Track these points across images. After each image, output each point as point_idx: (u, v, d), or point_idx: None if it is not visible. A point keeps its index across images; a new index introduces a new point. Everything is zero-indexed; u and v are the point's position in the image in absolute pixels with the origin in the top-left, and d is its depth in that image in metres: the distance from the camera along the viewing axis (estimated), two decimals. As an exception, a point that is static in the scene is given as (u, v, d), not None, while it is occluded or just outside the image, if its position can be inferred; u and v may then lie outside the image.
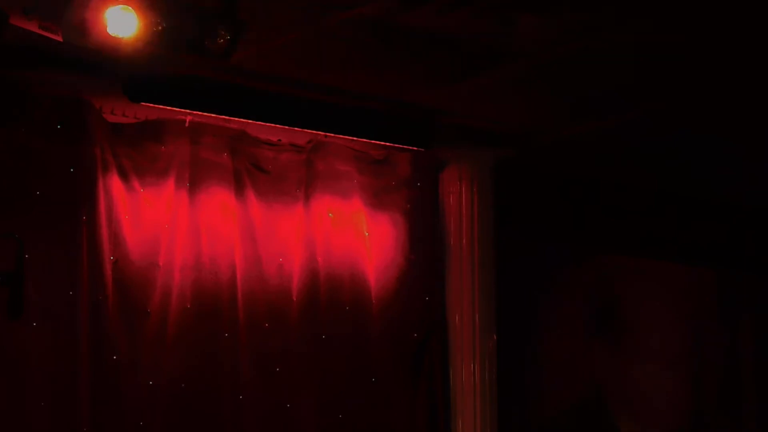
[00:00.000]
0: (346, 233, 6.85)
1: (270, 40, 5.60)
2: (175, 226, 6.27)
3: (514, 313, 7.51)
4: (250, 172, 6.59)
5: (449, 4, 5.35)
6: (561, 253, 8.06)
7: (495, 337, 7.19)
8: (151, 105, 6.15)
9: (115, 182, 6.14)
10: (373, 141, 6.94)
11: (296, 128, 6.63)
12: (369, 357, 6.84)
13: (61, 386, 5.81)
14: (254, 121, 6.50)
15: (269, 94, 6.39)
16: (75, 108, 6.00)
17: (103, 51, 5.11)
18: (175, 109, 6.26)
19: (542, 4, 5.42)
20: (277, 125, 6.57)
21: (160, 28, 5.00)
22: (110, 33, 4.93)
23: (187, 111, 6.32)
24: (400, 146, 7.04)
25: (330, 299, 6.72)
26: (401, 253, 7.04)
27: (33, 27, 4.96)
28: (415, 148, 7.06)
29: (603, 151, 7.65)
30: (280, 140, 6.76)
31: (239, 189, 6.52)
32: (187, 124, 6.38)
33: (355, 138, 6.88)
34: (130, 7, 4.93)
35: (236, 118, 6.46)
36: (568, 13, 5.48)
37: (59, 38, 4.91)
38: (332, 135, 6.81)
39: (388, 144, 7.01)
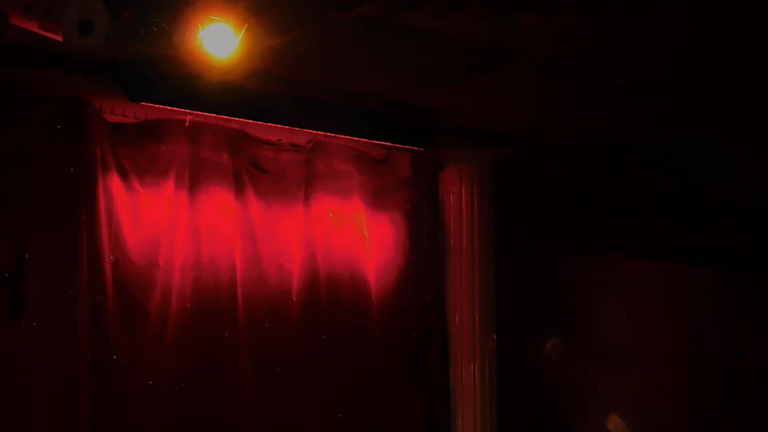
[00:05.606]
0: (346, 233, 6.85)
1: (270, 40, 5.60)
2: (175, 226, 6.27)
3: (514, 313, 7.51)
4: (250, 172, 6.59)
5: (449, 4, 5.35)
6: (561, 253, 8.05)
7: (495, 337, 7.18)
8: (151, 105, 6.15)
9: (115, 182, 6.13)
10: (373, 141, 6.95)
11: (296, 128, 6.63)
12: (369, 357, 6.83)
13: (61, 386, 5.80)
14: (254, 121, 6.51)
15: (270, 94, 6.39)
16: (75, 108, 6.00)
17: (103, 51, 5.10)
18: (175, 109, 6.26)
19: (542, 4, 5.42)
20: (277, 125, 6.58)
21: (159, 28, 4.99)
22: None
23: (187, 111, 6.32)
24: (400, 146, 7.04)
25: (330, 299, 6.71)
26: (401, 252, 7.03)
27: (33, 27, 4.95)
28: (415, 148, 7.06)
29: (603, 151, 7.65)
30: (280, 140, 6.75)
31: (239, 189, 6.51)
32: (187, 124, 6.38)
33: (355, 138, 6.88)
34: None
35: (236, 118, 6.46)
36: (568, 13, 5.48)
37: (59, 38, 4.90)
38: (332, 135, 6.81)
39: (388, 144, 7.02)
